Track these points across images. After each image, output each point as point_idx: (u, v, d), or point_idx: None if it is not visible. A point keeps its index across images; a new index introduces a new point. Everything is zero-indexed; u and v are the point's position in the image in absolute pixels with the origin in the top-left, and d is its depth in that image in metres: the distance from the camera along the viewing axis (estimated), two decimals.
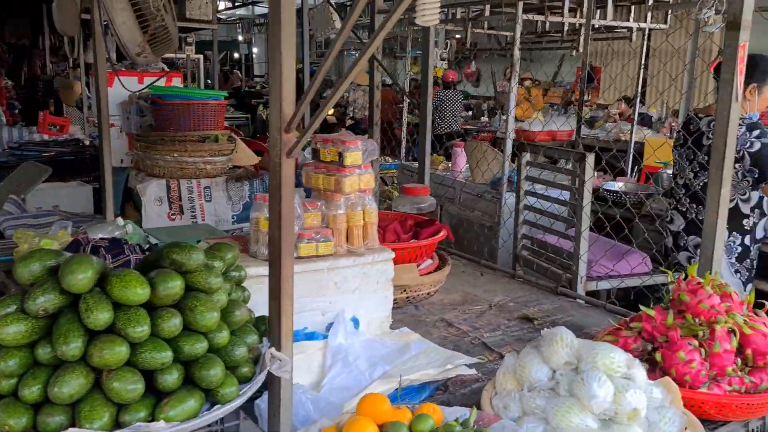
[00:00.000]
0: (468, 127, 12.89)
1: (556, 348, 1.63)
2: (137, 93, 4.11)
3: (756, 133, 2.85)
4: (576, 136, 4.60)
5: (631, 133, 5.43)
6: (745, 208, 2.96)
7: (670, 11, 4.86)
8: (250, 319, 1.41)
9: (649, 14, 4.85)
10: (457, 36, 12.83)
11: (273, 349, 1.34)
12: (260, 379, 1.31)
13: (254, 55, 26.09)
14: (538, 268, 3.20)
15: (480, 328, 2.42)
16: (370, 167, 2.09)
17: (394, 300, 2.52)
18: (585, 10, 4.49)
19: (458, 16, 5.55)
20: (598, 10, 4.88)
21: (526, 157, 3.19)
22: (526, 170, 3.22)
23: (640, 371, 1.63)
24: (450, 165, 5.37)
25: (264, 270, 1.90)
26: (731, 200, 2.95)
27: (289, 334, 1.38)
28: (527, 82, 13.44)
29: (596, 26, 4.80)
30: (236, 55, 24.88)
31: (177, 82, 4.96)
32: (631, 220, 3.26)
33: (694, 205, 3.05)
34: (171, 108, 3.64)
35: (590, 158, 2.77)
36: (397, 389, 1.80)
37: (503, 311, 2.63)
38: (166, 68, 5.17)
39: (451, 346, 2.22)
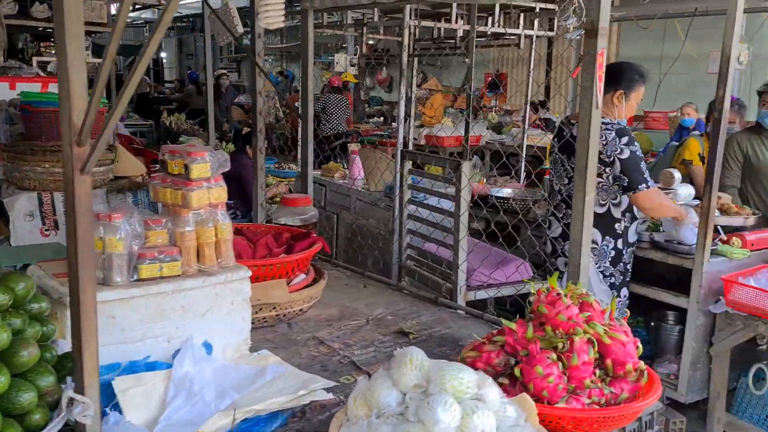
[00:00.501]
0: (378, 132, 12.89)
1: (405, 370, 1.54)
2: (6, 101, 3.83)
3: (625, 140, 2.90)
4: (465, 142, 4.59)
5: (523, 137, 5.51)
6: (616, 213, 3.00)
7: (556, 19, 4.96)
8: (49, 357, 1.24)
9: (536, 22, 4.93)
10: (370, 42, 12.84)
11: (71, 392, 1.18)
12: (54, 426, 1.15)
13: (164, 60, 25.31)
14: (422, 278, 3.14)
15: (352, 345, 2.32)
16: (221, 180, 1.95)
17: (264, 319, 2.39)
18: (470, 17, 4.50)
19: (349, 21, 5.47)
20: (490, 18, 4.93)
21: (408, 165, 3.13)
22: (408, 178, 3.16)
23: (492, 390, 1.56)
24: (347, 172, 5.28)
25: (111, 294, 1.74)
26: (603, 204, 2.98)
27: (93, 373, 1.22)
28: (433, 89, 13.56)
29: (488, 33, 4.83)
30: None
31: (54, 87, 4.64)
32: (524, 226, 3.27)
33: (569, 211, 3.06)
34: (42, 116, 3.39)
35: (466, 165, 2.73)
36: (244, 420, 1.67)
37: (380, 326, 2.54)
38: (41, 73, 4.85)
39: (317, 367, 2.11)
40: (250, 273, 2.00)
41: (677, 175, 3.74)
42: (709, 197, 2.80)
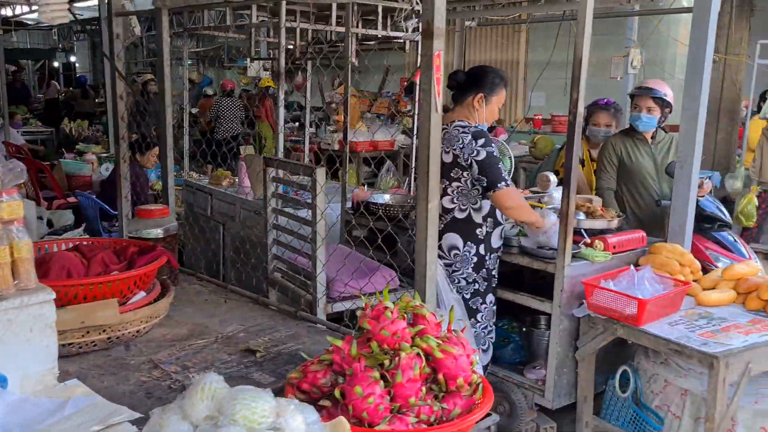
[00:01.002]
0: (293, 138, 12.69)
1: (195, 400, 1.41)
2: None
3: (481, 141, 2.87)
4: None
5: (413, 142, 5.45)
6: (477, 218, 2.97)
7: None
8: None
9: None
10: (290, 46, 12.61)
11: None
12: None
13: (77, 64, 24.26)
14: (286, 290, 3.01)
15: (191, 368, 2.16)
16: (15, 192, 1.76)
17: (93, 343, 2.20)
18: (345, 19, 4.42)
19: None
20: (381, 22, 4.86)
21: (272, 172, 2.99)
22: (272, 186, 3.03)
23: (294, 418, 1.45)
24: (237, 180, 5.09)
25: None
26: (463, 210, 2.94)
27: None
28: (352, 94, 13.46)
29: (378, 36, 4.75)
30: (55, 63, 23.01)
31: None
32: (402, 233, 3.18)
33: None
34: None
35: (320, 172, 2.62)
36: None
37: (229, 344, 2.39)
38: None
39: (142, 394, 1.94)
40: (53, 295, 1.81)
41: (553, 178, 3.76)
42: (567, 201, 2.79)
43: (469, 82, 3.00)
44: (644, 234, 3.23)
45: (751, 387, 2.91)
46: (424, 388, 1.77)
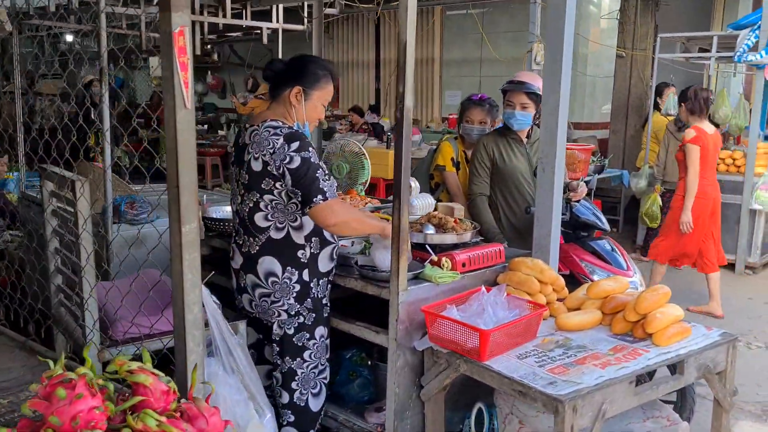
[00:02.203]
0: (202, 141, 12.03)
1: None
2: None
3: (296, 145, 2.38)
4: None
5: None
6: (298, 238, 2.47)
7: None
8: None
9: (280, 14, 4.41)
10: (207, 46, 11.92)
11: None
12: None
13: None
14: (71, 330, 2.45)
15: None
16: None
17: None
18: (198, 7, 3.89)
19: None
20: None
21: (50, 186, 2.44)
22: (51, 202, 2.47)
23: None
24: None
25: None
26: (281, 228, 2.45)
27: None
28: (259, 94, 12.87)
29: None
30: None
31: None
32: None
33: (248, 237, 2.51)
34: None
35: (82, 186, 2.09)
36: None
37: None
38: None
39: None
40: None
41: (413, 184, 3.33)
42: (398, 214, 2.34)
43: (284, 75, 2.51)
44: (502, 248, 2.81)
45: (621, 422, 2.53)
46: None
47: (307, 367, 2.54)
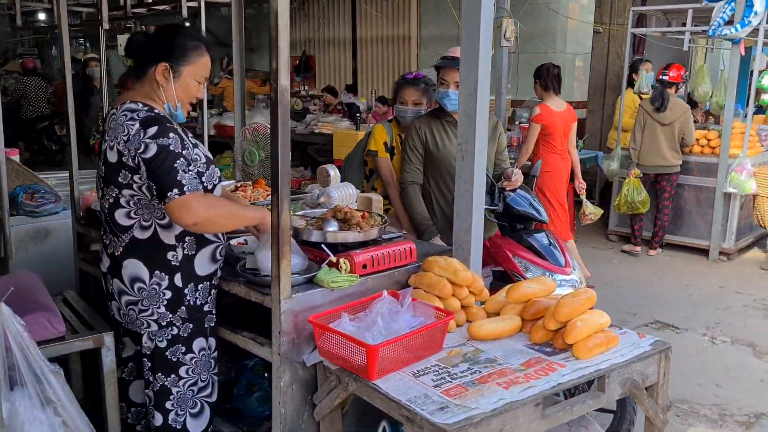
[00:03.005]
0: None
1: None
2: None
3: (153, 131, 2.05)
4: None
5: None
6: (167, 237, 2.15)
7: None
8: None
9: None
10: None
11: None
12: None
13: None
14: None
15: None
16: None
17: None
18: None
19: None
20: None
21: None
22: None
23: None
24: None
25: None
26: (147, 226, 2.14)
27: None
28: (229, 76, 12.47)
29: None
30: None
31: None
32: None
33: (112, 236, 2.20)
34: None
35: None
36: None
37: None
38: None
39: None
40: None
41: (333, 172, 3.00)
42: (277, 210, 2.03)
43: (149, 49, 2.17)
44: (413, 246, 2.49)
45: None
46: None
47: (184, 384, 2.24)
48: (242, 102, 3.93)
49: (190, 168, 2.05)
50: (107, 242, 2.22)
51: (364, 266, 2.31)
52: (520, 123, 7.53)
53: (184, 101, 2.20)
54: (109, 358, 2.27)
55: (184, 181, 2.01)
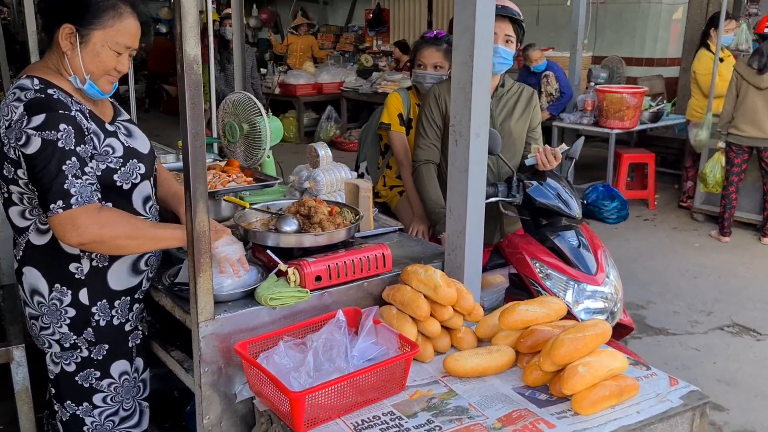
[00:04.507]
0: None
1: None
2: None
3: (39, 120, 1.64)
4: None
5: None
6: (64, 245, 1.78)
7: None
8: None
9: None
10: None
11: None
12: None
13: None
14: None
15: None
16: None
17: None
18: None
19: None
20: None
21: None
22: None
23: None
24: None
25: None
26: (44, 230, 1.77)
27: None
28: (294, 32, 12.08)
29: None
30: None
31: None
32: None
33: (16, 236, 1.86)
34: None
35: None
36: None
37: None
38: None
39: None
40: None
41: (323, 152, 2.56)
42: (191, 213, 1.62)
43: (58, 7, 1.77)
44: (387, 251, 2.02)
45: None
46: None
47: (101, 414, 1.89)
48: (242, 65, 3.54)
49: (86, 170, 1.65)
50: (15, 242, 1.89)
51: (318, 278, 1.87)
52: (596, 84, 6.74)
53: (96, 74, 1.79)
54: (20, 375, 1.98)
55: (72, 190, 1.62)
